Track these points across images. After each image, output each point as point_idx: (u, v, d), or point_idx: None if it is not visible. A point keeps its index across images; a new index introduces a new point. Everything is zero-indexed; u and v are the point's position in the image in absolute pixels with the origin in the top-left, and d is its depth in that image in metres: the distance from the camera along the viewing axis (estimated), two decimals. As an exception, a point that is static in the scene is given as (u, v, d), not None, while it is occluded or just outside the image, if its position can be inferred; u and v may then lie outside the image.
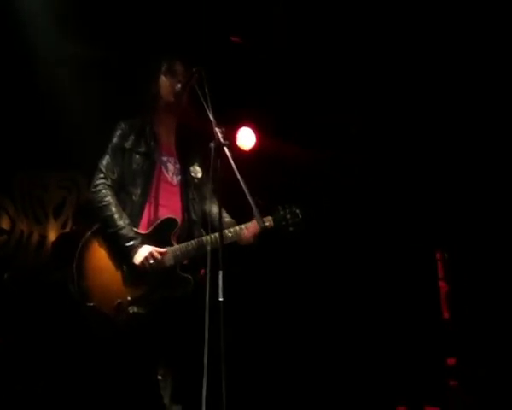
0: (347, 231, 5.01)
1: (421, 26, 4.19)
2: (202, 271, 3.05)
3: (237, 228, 3.03)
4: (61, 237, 4.96)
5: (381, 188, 5.00)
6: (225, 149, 2.69)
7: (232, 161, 2.67)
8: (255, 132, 5.11)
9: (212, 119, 2.75)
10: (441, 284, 4.67)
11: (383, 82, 4.64)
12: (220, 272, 2.54)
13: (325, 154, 5.00)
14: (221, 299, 2.52)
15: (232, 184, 2.64)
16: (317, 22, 4.18)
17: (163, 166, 3.13)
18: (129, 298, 2.89)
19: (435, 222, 4.79)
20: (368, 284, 4.91)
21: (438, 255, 4.73)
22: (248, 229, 3.02)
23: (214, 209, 3.13)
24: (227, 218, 3.19)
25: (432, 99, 4.62)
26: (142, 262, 2.90)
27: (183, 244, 2.99)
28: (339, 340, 4.80)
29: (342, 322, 4.84)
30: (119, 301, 2.88)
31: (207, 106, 2.77)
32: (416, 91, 4.63)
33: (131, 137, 3.11)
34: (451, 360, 4.35)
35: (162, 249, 2.96)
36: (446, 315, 4.60)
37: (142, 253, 2.91)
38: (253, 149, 5.12)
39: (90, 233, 3.01)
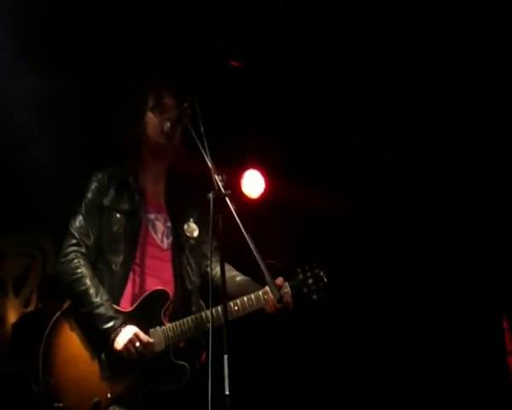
0: (388, 294, 5.03)
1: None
2: (203, 356, 3.04)
3: (245, 299, 3.01)
4: (23, 319, 4.95)
5: (425, 237, 5.04)
6: (227, 199, 2.70)
7: (236, 215, 2.67)
8: (264, 176, 5.17)
9: (209, 163, 2.78)
10: (511, 360, 4.62)
11: (411, 108, 4.77)
12: (225, 357, 2.48)
13: (350, 198, 5.06)
14: (227, 392, 2.46)
15: (238, 243, 2.65)
16: (333, 41, 4.35)
17: (150, 226, 3.16)
18: (109, 395, 2.86)
19: (500, 280, 4.77)
20: (418, 361, 4.89)
21: (505, 323, 4.68)
22: (258, 300, 3.00)
23: (218, 270, 3.07)
24: (238, 277, 3.18)
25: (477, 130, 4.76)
26: (126, 347, 2.87)
27: (176, 323, 2.98)
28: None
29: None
30: (96, 399, 2.85)
31: (204, 148, 2.80)
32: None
33: (111, 192, 3.14)
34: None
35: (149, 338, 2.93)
36: (520, 401, 4.54)
37: (126, 335, 2.89)
38: (262, 197, 5.16)
39: (58, 314, 3.01)
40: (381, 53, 4.47)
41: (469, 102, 4.66)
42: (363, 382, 4.97)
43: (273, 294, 2.78)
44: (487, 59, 4.39)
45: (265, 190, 5.17)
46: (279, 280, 3.02)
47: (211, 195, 2.71)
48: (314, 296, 3.05)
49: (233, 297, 3.01)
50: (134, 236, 3.09)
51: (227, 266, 2.96)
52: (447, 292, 4.95)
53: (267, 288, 2.99)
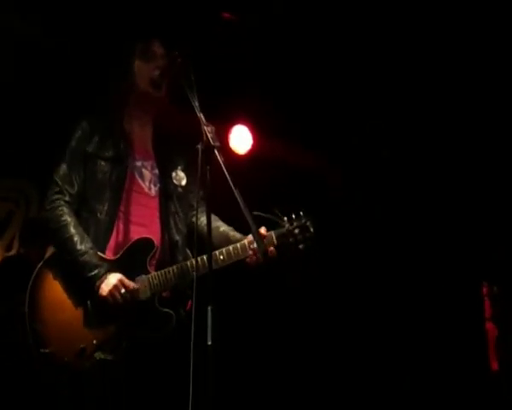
0: (370, 257, 5.08)
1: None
2: (188, 304, 3.06)
3: (230, 248, 3.01)
4: (4, 262, 4.95)
5: (410, 203, 5.09)
6: (216, 151, 2.69)
7: (224, 167, 2.66)
8: (252, 132, 5.16)
9: (199, 115, 2.76)
10: (489, 326, 4.68)
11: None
12: (209, 309, 2.49)
13: (336, 157, 5.08)
14: (210, 343, 2.47)
15: (225, 195, 2.66)
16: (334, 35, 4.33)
17: (137, 174, 3.13)
18: (94, 342, 2.88)
19: (480, 248, 4.82)
20: (399, 325, 4.97)
21: (484, 290, 4.74)
22: (243, 249, 3.00)
23: (204, 220, 3.11)
24: (222, 227, 3.18)
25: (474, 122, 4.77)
26: (111, 292, 2.88)
27: (161, 271, 2.99)
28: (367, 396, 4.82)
29: (370, 375, 4.89)
30: (82, 346, 2.87)
31: (194, 99, 2.78)
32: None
33: (95, 139, 3.10)
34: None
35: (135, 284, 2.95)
36: (495, 366, 4.61)
37: (111, 281, 2.89)
38: (250, 153, 5.16)
39: (42, 263, 3.00)
40: (382, 52, 4.47)
41: (469, 102, 4.67)
42: (344, 341, 5.03)
43: (258, 247, 2.80)
44: (487, 59, 4.39)
45: (253, 146, 5.15)
46: (263, 229, 3.00)
47: (199, 146, 2.69)
48: (300, 246, 3.03)
49: (216, 247, 3.00)
50: (119, 183, 3.06)
51: (212, 217, 2.92)
52: (428, 259, 5.00)
53: (250, 236, 2.98)
